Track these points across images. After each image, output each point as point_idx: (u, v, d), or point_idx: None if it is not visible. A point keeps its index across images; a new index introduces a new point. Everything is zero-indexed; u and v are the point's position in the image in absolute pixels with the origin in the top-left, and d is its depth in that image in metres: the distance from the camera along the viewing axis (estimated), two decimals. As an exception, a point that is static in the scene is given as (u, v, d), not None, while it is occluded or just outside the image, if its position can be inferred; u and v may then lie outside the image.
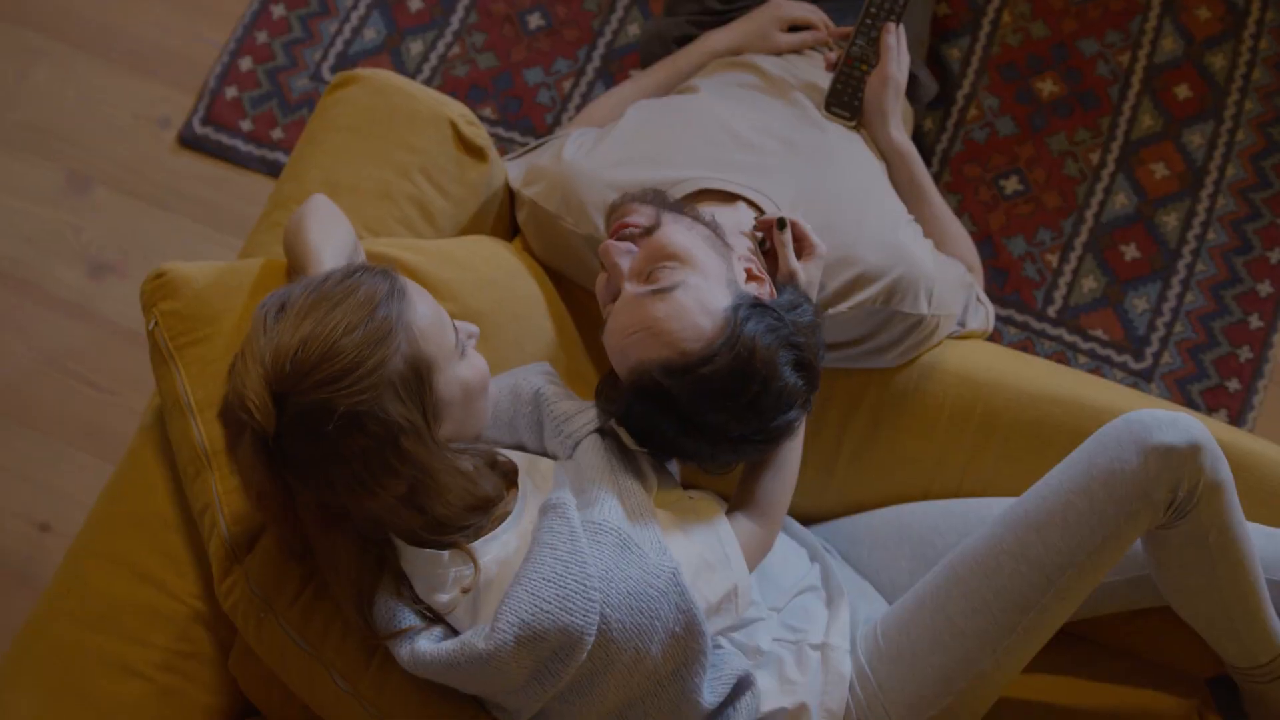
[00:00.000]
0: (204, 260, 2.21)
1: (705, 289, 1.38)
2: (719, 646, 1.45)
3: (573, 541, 1.30)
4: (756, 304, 1.38)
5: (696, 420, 1.37)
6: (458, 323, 1.38)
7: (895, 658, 1.49)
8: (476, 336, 1.40)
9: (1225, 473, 1.42)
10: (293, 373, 1.22)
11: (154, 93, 2.36)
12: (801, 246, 1.52)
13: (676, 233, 1.41)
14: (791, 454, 1.50)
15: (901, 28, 1.77)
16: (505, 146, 2.27)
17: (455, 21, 2.36)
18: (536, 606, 1.26)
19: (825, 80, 1.80)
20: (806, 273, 1.50)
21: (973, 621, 1.45)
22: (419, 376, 1.27)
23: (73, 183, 2.33)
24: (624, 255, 1.42)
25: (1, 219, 2.31)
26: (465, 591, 1.33)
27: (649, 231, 1.42)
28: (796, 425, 1.42)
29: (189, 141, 2.33)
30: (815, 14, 1.87)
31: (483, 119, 2.29)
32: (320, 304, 1.25)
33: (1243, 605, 1.48)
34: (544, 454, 1.50)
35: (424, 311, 1.30)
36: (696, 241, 1.42)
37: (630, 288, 1.40)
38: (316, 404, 1.23)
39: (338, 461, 1.25)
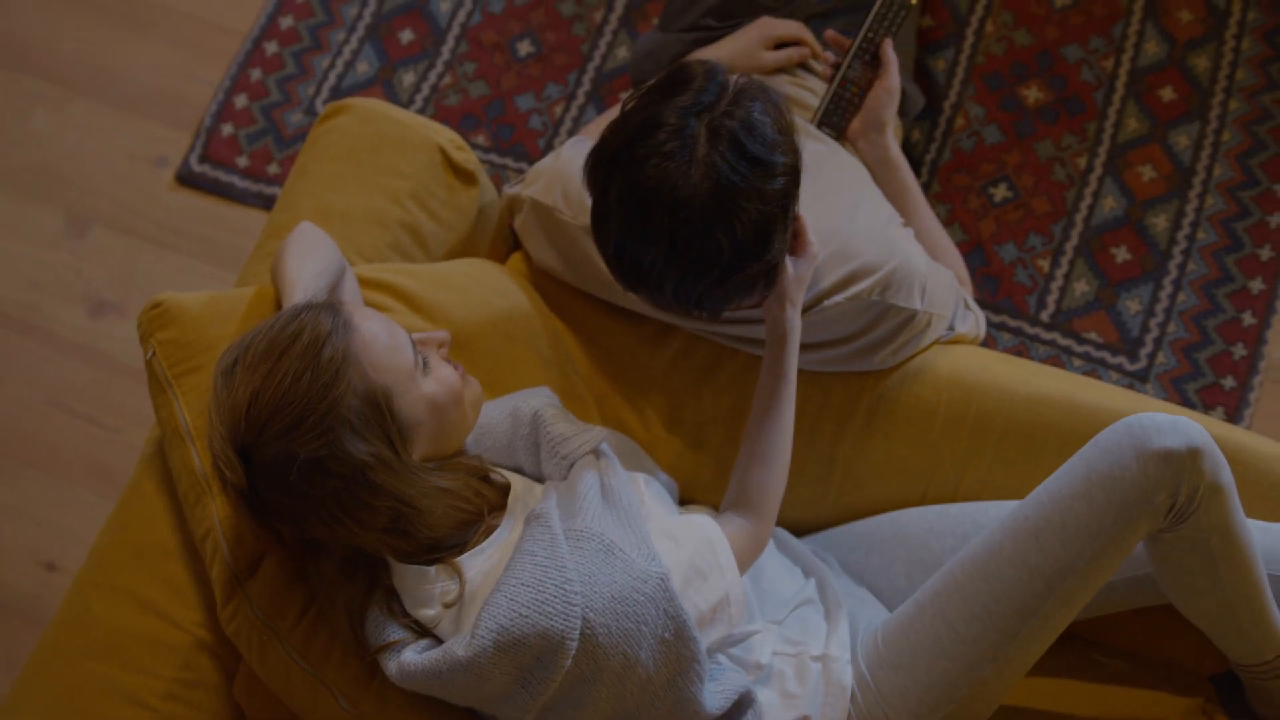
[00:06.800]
0: (203, 295, 2.25)
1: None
2: (717, 663, 1.45)
3: (553, 547, 1.31)
4: None
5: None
6: (422, 335, 1.39)
7: (896, 664, 1.49)
8: (448, 343, 1.41)
9: (1226, 476, 1.41)
10: (248, 428, 1.25)
11: (151, 133, 2.39)
12: (797, 243, 1.51)
13: None
14: (781, 448, 1.50)
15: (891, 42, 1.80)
16: (499, 174, 2.29)
17: (446, 51, 2.38)
18: (515, 611, 1.27)
19: (811, 98, 1.82)
20: (795, 268, 1.49)
21: (973, 628, 1.45)
22: (376, 408, 1.28)
23: (72, 224, 2.35)
24: None
25: (5, 263, 2.34)
26: (448, 606, 1.33)
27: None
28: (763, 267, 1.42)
29: (186, 179, 2.35)
30: (802, 31, 1.89)
31: (476, 146, 2.31)
32: (269, 354, 1.27)
33: (1247, 605, 1.48)
34: (540, 479, 1.51)
35: (373, 340, 1.31)
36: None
37: None
38: (278, 455, 1.25)
39: (313, 504, 1.27)
